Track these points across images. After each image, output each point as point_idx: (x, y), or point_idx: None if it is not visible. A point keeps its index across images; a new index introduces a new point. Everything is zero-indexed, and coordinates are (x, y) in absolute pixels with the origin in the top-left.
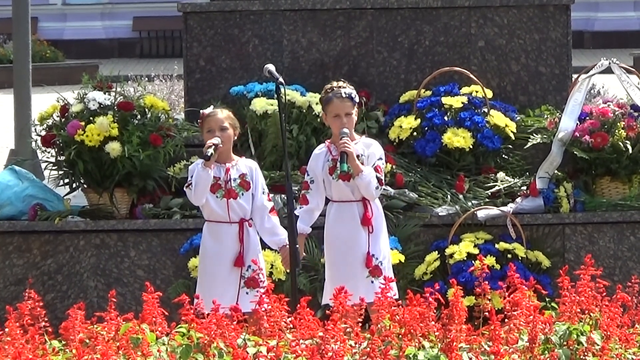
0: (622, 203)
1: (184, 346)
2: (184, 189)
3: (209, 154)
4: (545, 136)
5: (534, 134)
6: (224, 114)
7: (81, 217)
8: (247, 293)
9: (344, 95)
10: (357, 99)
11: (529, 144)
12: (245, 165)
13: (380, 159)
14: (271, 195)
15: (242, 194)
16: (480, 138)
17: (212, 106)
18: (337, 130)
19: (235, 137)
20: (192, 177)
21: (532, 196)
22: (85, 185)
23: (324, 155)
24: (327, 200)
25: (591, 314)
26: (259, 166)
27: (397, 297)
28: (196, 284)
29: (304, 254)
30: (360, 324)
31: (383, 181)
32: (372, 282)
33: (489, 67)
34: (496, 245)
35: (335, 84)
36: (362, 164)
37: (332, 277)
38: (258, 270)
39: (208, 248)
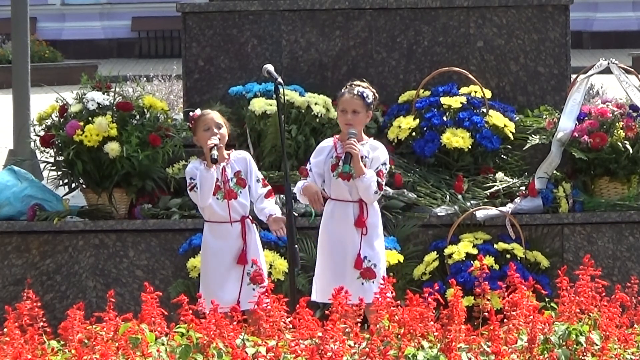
0: (620, 203)
1: (183, 346)
2: (188, 191)
3: (215, 157)
4: (544, 136)
5: (533, 134)
6: (216, 114)
7: (80, 217)
8: (253, 289)
9: (355, 92)
10: (369, 100)
11: (528, 144)
12: (238, 160)
13: (384, 164)
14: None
15: (240, 192)
16: (479, 138)
17: (199, 109)
18: (342, 125)
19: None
20: (191, 179)
21: (531, 196)
22: (84, 186)
23: (329, 151)
24: (325, 199)
25: (590, 314)
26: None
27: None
28: (195, 284)
29: (302, 253)
30: (358, 324)
31: (383, 186)
32: (363, 284)
33: (487, 67)
34: (495, 246)
35: (356, 82)
36: (365, 166)
37: (319, 275)
38: (258, 268)
39: (210, 247)
